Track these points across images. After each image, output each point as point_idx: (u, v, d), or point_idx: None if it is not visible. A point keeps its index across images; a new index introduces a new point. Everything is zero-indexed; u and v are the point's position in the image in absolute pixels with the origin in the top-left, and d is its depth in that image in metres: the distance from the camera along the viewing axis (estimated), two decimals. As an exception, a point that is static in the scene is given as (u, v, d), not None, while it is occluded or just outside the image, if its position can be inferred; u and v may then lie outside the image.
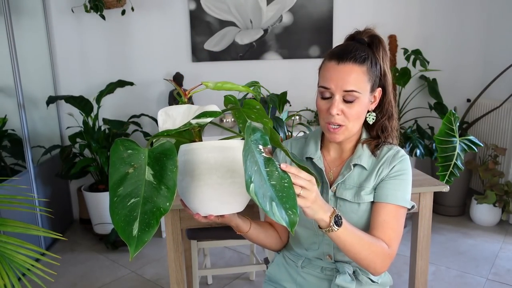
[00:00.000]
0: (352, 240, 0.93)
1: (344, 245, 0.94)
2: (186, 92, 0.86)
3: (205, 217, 0.85)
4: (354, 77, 1.00)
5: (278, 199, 0.74)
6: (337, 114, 1.01)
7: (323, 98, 1.04)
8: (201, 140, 0.84)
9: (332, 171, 1.13)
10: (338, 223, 0.90)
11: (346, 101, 1.01)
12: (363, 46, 1.05)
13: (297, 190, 0.82)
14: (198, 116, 0.77)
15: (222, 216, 0.90)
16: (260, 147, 0.77)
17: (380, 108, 1.10)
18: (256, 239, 1.11)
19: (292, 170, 0.81)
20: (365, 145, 1.10)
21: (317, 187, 0.87)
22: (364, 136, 1.11)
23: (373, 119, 1.08)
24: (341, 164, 1.12)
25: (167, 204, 0.65)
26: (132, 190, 0.66)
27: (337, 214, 0.90)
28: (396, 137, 1.13)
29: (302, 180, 0.82)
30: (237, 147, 0.82)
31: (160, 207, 0.65)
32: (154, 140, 0.82)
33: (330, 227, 0.89)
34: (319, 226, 0.91)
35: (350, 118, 1.02)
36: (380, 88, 1.07)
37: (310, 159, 1.14)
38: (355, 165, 1.09)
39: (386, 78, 1.07)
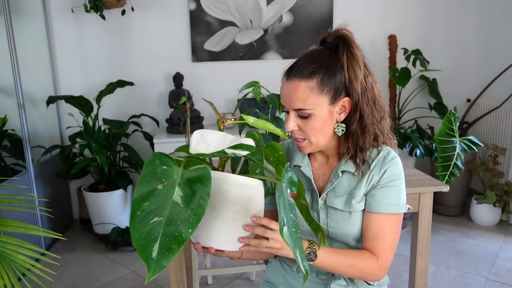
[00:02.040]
0: (332, 265, 0.97)
1: (327, 269, 0.98)
2: (223, 121, 0.86)
3: (204, 247, 0.83)
4: (300, 95, 0.95)
5: (299, 248, 0.76)
6: (295, 129, 1.00)
7: (286, 112, 1.02)
8: (223, 170, 0.83)
9: (321, 178, 1.09)
10: (312, 259, 0.94)
11: (301, 117, 0.98)
12: (320, 54, 0.98)
13: (266, 238, 0.87)
14: (235, 147, 0.75)
15: (221, 251, 0.86)
16: (288, 191, 0.77)
17: (348, 117, 1.00)
18: (251, 258, 1.12)
19: (263, 222, 0.84)
20: (347, 157, 1.04)
21: (321, 245, 0.90)
22: (346, 146, 1.04)
23: (342, 130, 1.00)
24: (330, 171, 1.08)
25: (189, 231, 0.62)
26: (157, 207, 0.63)
27: (310, 251, 0.94)
28: (388, 138, 1.05)
29: (269, 233, 0.86)
30: (255, 186, 0.81)
31: (182, 232, 0.62)
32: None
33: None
34: None
35: (308, 133, 0.99)
36: (347, 98, 0.98)
37: (297, 167, 1.11)
38: (343, 171, 1.05)
39: (351, 85, 0.97)
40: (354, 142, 1.01)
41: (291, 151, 1.15)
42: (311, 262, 0.94)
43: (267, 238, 0.87)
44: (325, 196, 1.06)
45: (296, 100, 0.96)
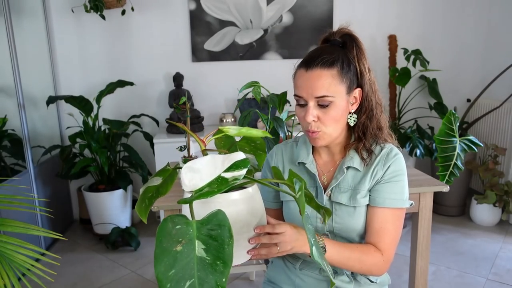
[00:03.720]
0: (340, 260, 0.99)
1: (334, 264, 0.99)
2: (204, 139, 0.82)
3: None
4: (323, 82, 0.98)
5: (325, 261, 0.76)
6: (313, 120, 1.01)
7: (299, 105, 1.04)
8: None
9: (326, 175, 1.12)
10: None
11: (321, 106, 1.00)
12: (333, 48, 1.03)
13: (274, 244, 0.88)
14: (232, 169, 0.72)
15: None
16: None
17: (359, 108, 1.07)
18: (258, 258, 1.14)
19: (268, 230, 0.85)
20: (353, 150, 1.08)
21: (325, 221, 0.88)
22: (352, 138, 1.09)
23: (354, 121, 1.05)
24: (334, 167, 1.11)
25: (223, 280, 0.59)
26: (184, 271, 0.59)
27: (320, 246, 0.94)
28: (388, 135, 1.10)
29: (276, 238, 0.87)
30: (251, 196, 0.79)
31: (217, 284, 0.59)
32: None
33: None
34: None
35: (327, 123, 1.01)
36: (359, 88, 1.04)
37: (302, 164, 1.12)
38: (348, 167, 1.07)
39: (363, 77, 1.04)
40: (363, 131, 1.06)
41: (294, 149, 1.16)
42: None
43: (276, 244, 0.88)
44: (330, 192, 1.08)
45: (320, 88, 0.99)
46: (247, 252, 0.82)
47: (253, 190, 0.80)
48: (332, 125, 1.02)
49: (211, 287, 0.58)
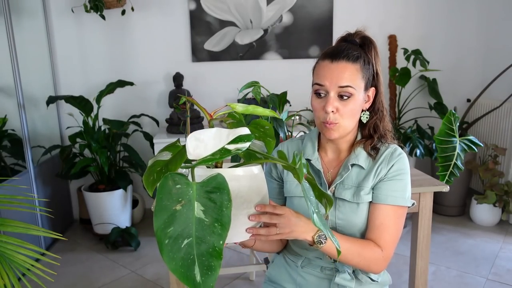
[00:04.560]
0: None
1: (333, 256, 0.99)
2: (212, 113, 0.84)
3: None
4: (348, 74, 1.02)
5: (329, 230, 0.75)
6: (332, 111, 1.03)
7: (318, 96, 1.06)
8: (222, 166, 0.82)
9: (330, 172, 1.14)
10: (321, 241, 0.95)
11: (341, 98, 1.03)
12: (355, 46, 1.08)
13: (274, 224, 0.89)
14: (235, 141, 0.73)
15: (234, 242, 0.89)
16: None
17: (372, 108, 1.11)
18: (261, 249, 1.14)
19: (268, 209, 0.85)
20: (360, 147, 1.10)
21: (327, 211, 0.87)
22: (358, 137, 1.12)
23: (366, 117, 1.10)
24: (339, 165, 1.13)
25: (220, 242, 0.60)
26: (183, 229, 0.60)
27: (320, 234, 0.95)
28: (391, 137, 1.13)
29: (276, 218, 0.88)
30: (256, 174, 0.80)
31: (215, 246, 0.60)
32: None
33: (315, 244, 0.95)
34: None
35: (345, 116, 1.04)
36: (373, 88, 1.09)
37: (307, 160, 1.14)
38: (353, 165, 1.09)
39: (378, 78, 1.09)
40: (374, 130, 1.11)
41: (300, 146, 1.19)
42: (321, 245, 0.95)
43: (275, 225, 0.89)
44: (334, 188, 1.10)
45: (345, 78, 1.02)
46: (246, 230, 0.83)
47: (257, 170, 0.81)
48: (349, 118, 1.05)
49: (209, 248, 0.59)
